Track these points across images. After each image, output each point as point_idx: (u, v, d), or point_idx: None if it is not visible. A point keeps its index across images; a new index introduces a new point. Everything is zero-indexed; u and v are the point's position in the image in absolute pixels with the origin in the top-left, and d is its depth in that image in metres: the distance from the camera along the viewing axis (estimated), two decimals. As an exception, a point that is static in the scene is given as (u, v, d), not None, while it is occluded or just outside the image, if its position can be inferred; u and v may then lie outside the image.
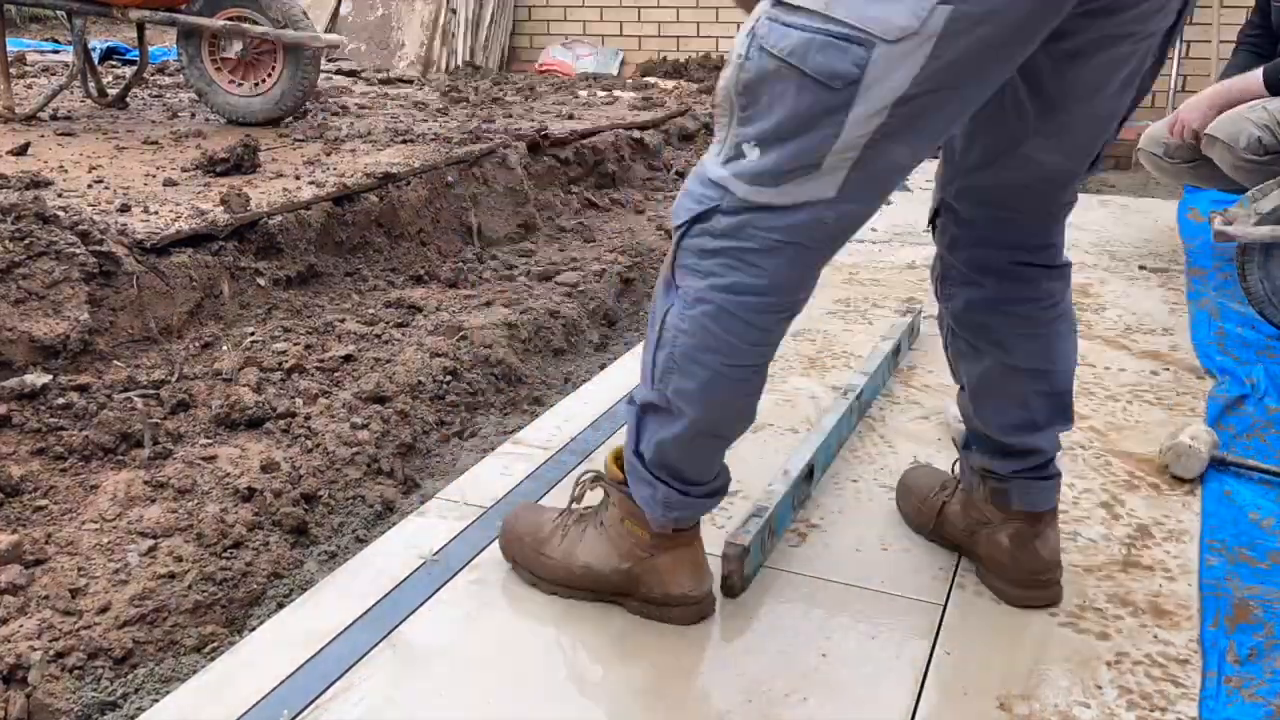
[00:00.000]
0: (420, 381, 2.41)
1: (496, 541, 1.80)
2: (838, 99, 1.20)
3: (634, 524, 1.60)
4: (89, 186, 3.02)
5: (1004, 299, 1.56)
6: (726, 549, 1.69)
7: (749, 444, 2.24)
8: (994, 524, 1.68)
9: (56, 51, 6.64)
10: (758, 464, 2.15)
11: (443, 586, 1.73)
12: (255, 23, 4.00)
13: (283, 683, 1.50)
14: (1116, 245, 3.90)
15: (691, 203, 1.40)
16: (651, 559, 1.60)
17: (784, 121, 1.25)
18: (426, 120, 4.40)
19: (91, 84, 4.39)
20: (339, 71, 6.15)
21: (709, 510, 1.60)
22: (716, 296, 1.36)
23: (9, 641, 1.52)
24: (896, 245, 3.85)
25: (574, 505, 1.71)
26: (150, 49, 5.00)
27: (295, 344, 2.54)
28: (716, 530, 1.91)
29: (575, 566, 1.66)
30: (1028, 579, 1.66)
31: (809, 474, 1.98)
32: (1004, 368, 1.58)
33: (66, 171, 3.20)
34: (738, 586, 1.69)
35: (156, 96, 4.92)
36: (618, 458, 1.61)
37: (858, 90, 1.19)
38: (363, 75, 6.10)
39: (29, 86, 4.86)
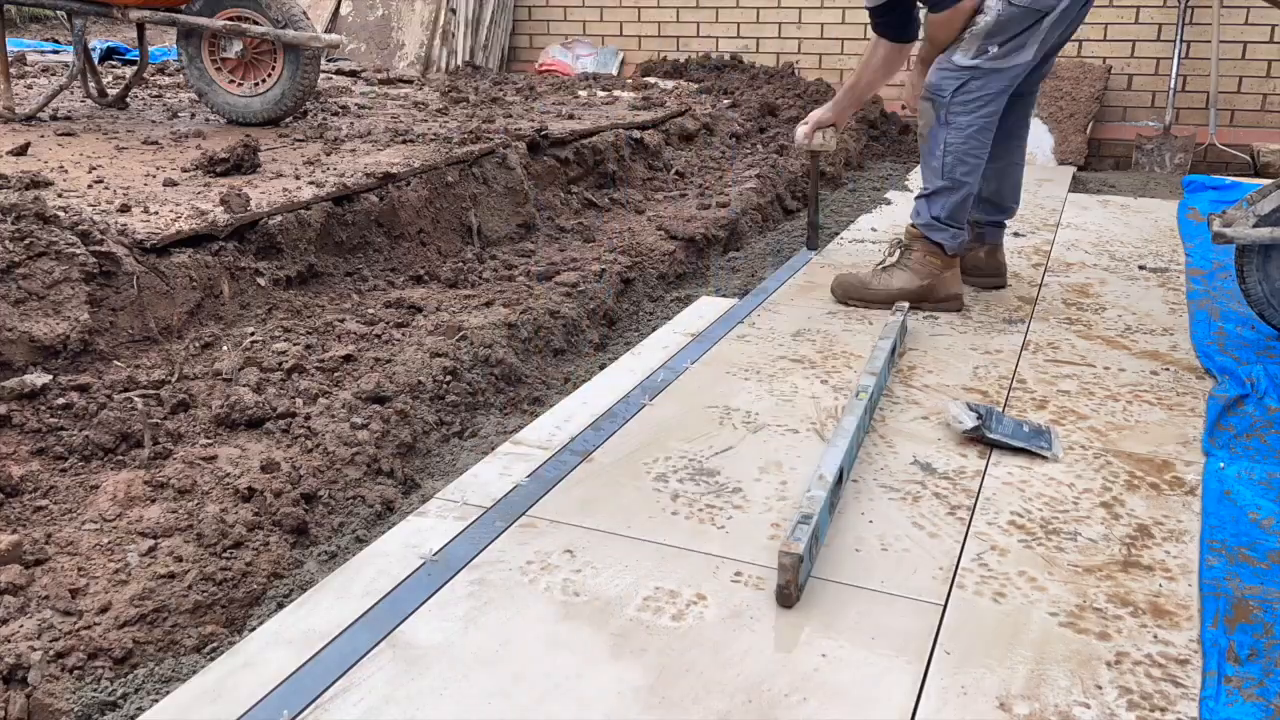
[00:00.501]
0: (420, 381, 2.41)
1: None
2: (1040, 15, 2.87)
3: (933, 257, 3.10)
4: (89, 186, 3.02)
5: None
6: (782, 558, 1.67)
7: (749, 444, 2.25)
8: (976, 248, 3.36)
9: (56, 51, 6.64)
10: (757, 463, 2.15)
11: (443, 586, 1.73)
12: (255, 23, 4.00)
13: (283, 683, 1.50)
14: (1116, 245, 3.91)
15: (952, 80, 2.96)
16: (940, 275, 3.11)
17: (1015, 32, 2.88)
18: (426, 120, 4.40)
19: (91, 84, 4.39)
20: (339, 71, 6.15)
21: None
22: (978, 119, 2.97)
23: (9, 641, 1.52)
24: (896, 245, 3.85)
25: (887, 260, 3.22)
26: (150, 49, 5.00)
27: (295, 344, 2.54)
28: (718, 530, 1.91)
29: (892, 290, 3.11)
30: (993, 273, 3.38)
31: (839, 478, 1.97)
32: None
33: (66, 171, 3.20)
34: (794, 596, 1.68)
35: (156, 96, 4.92)
36: (912, 230, 3.14)
37: (1052, 11, 2.86)
38: (363, 75, 6.10)
39: (29, 86, 4.86)
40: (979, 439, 2.23)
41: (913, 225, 3.12)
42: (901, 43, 3.19)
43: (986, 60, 2.91)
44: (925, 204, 3.07)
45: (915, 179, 5.12)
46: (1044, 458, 2.18)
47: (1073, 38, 5.85)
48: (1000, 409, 2.42)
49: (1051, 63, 3.24)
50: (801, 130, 3.47)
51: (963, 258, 3.25)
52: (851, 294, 3.16)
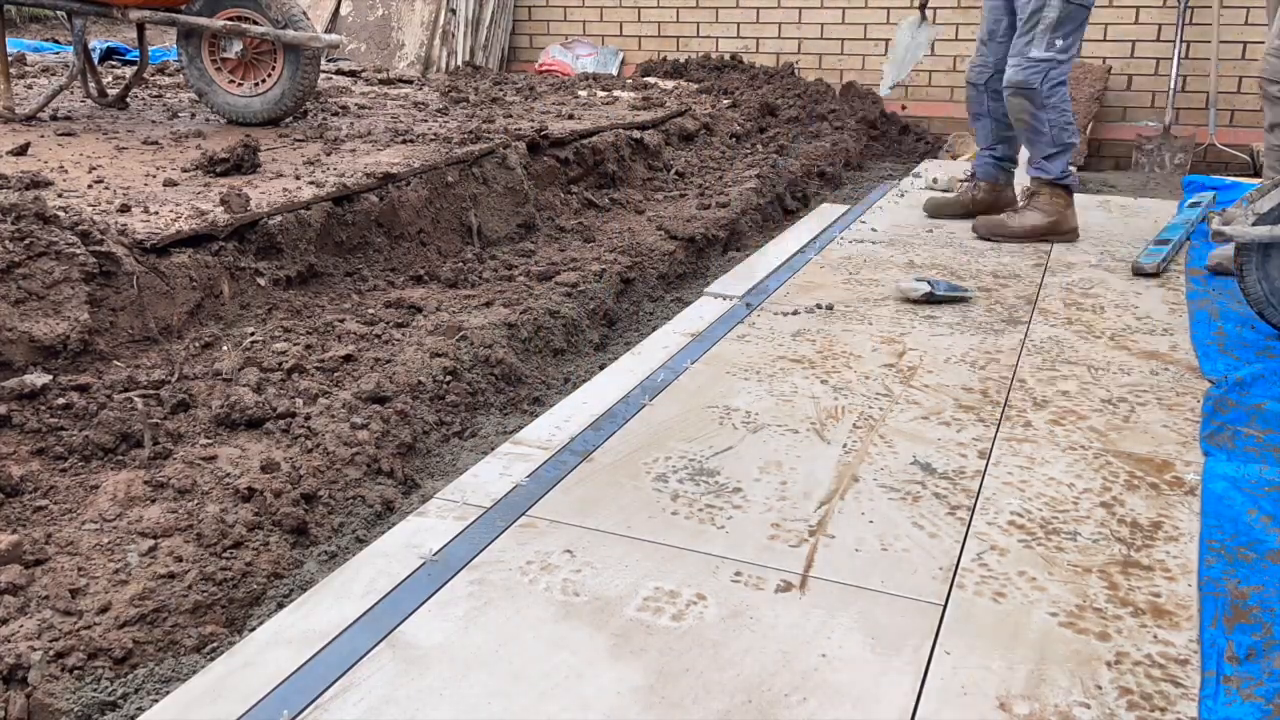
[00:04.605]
0: (420, 381, 2.41)
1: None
2: (1086, 13, 3.74)
3: (1058, 198, 3.92)
4: (89, 186, 3.02)
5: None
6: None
7: (749, 444, 2.25)
8: (1005, 190, 4.28)
9: (57, 52, 6.64)
10: (757, 463, 2.16)
11: (443, 586, 1.73)
12: (255, 23, 4.00)
13: (283, 683, 1.50)
14: (1116, 245, 3.91)
15: (1037, 74, 3.72)
16: (1064, 211, 3.93)
17: (1072, 27, 3.70)
18: (426, 120, 4.40)
19: (91, 84, 4.39)
20: (339, 71, 6.15)
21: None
22: (1061, 95, 3.79)
23: (9, 641, 1.52)
24: (896, 246, 3.85)
25: (1020, 205, 4.05)
26: (150, 49, 5.00)
27: (295, 344, 2.54)
28: (718, 530, 1.91)
29: (1026, 226, 3.93)
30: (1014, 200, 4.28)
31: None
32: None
33: (66, 171, 3.20)
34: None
35: (156, 96, 4.92)
36: (1037, 180, 3.96)
37: (1092, 6, 3.76)
38: (363, 75, 6.10)
39: (29, 86, 4.86)
40: (930, 300, 3.12)
41: (1039, 177, 3.92)
42: None
43: (1056, 52, 3.70)
44: (1049, 164, 3.88)
45: (913, 180, 5.13)
46: (968, 299, 3.15)
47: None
48: (1001, 406, 2.42)
49: None
50: None
51: (997, 195, 4.22)
52: (995, 231, 3.96)
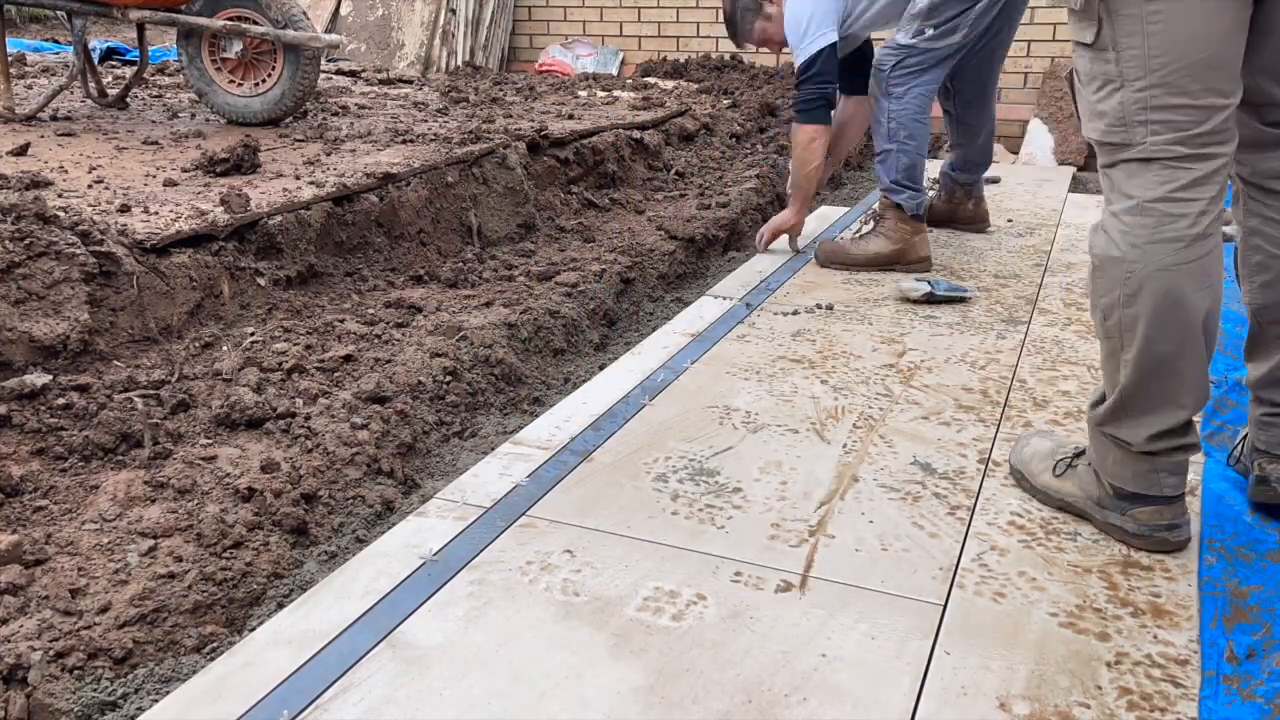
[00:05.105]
0: (420, 381, 2.41)
1: (816, 256, 3.57)
2: (971, 3, 3.25)
3: (902, 222, 3.45)
4: (89, 187, 3.02)
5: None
6: None
7: (749, 444, 2.25)
8: (964, 201, 3.98)
9: (57, 52, 6.64)
10: (757, 463, 2.15)
11: (443, 586, 1.73)
12: (255, 23, 4.00)
13: (283, 683, 1.50)
14: (1116, 245, 3.90)
15: (892, 57, 3.35)
16: (910, 239, 3.47)
17: (948, 16, 3.26)
18: (426, 120, 4.40)
19: (91, 84, 4.39)
20: (339, 71, 6.15)
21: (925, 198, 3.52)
22: (914, 90, 3.35)
23: (9, 641, 1.52)
24: (896, 245, 3.85)
25: (863, 229, 3.63)
26: (150, 49, 5.00)
27: (295, 344, 2.54)
28: (718, 530, 1.91)
29: (869, 254, 3.49)
30: (980, 220, 4.01)
31: None
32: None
33: (66, 171, 3.20)
34: None
35: (156, 96, 4.92)
36: (884, 200, 3.50)
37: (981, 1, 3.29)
38: (363, 75, 6.10)
39: (29, 86, 4.86)
40: (930, 300, 3.10)
41: (884, 195, 3.50)
42: (825, 122, 3.47)
43: (923, 40, 3.31)
44: (881, 168, 3.47)
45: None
46: (968, 299, 3.14)
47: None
48: (1001, 406, 2.42)
49: (1006, 41, 3.64)
50: (762, 237, 3.73)
51: (954, 209, 3.98)
52: (834, 258, 3.53)
